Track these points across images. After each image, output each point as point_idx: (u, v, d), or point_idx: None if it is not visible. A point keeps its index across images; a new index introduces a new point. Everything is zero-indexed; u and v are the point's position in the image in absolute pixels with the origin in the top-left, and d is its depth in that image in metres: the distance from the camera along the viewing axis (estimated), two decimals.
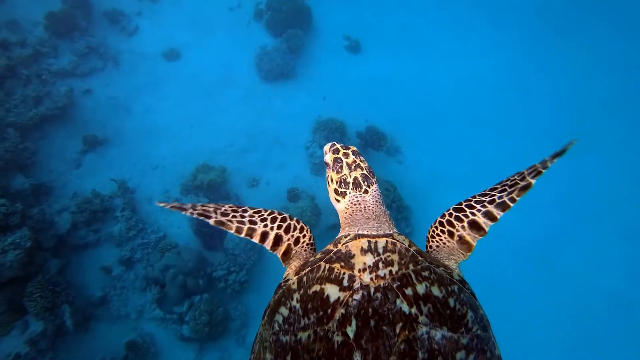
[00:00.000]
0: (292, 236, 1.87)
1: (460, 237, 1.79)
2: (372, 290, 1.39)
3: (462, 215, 1.82)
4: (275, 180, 8.75)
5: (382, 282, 1.42)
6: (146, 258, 7.56)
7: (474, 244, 1.78)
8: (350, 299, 1.38)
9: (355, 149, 1.99)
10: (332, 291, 1.43)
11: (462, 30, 12.21)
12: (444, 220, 1.85)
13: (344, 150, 1.96)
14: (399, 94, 10.58)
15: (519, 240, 8.69)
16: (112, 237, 7.62)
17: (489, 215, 1.76)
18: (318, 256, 1.66)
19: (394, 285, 1.41)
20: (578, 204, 9.74)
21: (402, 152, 9.62)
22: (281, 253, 1.85)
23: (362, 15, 11.74)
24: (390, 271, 1.46)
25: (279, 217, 1.90)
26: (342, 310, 1.36)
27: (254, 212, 1.91)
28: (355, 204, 1.86)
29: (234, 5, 10.94)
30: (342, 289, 1.42)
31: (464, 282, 1.61)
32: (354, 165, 1.91)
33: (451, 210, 1.86)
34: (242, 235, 1.84)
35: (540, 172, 1.72)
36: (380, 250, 1.54)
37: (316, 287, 1.47)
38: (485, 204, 1.79)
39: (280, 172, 8.73)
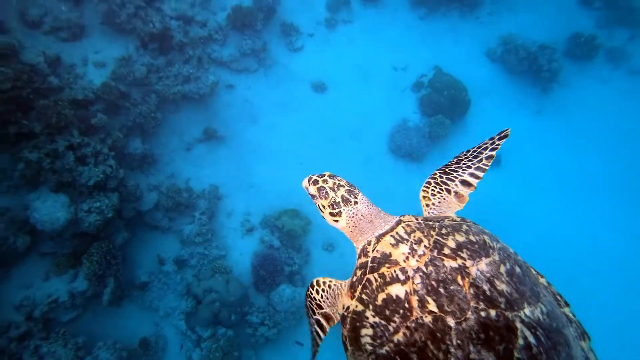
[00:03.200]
0: (317, 309, 2.28)
1: (456, 193, 2.35)
2: (423, 268, 1.76)
3: (452, 176, 2.40)
4: (350, 255, 8.78)
5: (426, 258, 1.78)
6: (198, 268, 8.01)
7: (467, 197, 2.35)
8: (414, 286, 1.72)
9: (329, 173, 2.36)
10: (398, 290, 1.75)
11: (619, 192, 11.26)
12: (438, 180, 2.42)
13: (322, 179, 2.32)
14: (511, 225, 10.03)
15: None
16: (181, 233, 8.20)
17: (473, 175, 2.41)
18: (358, 274, 1.96)
19: (435, 254, 1.79)
20: None
21: None
22: (333, 321, 2.27)
23: (517, 132, 11.32)
24: (425, 246, 1.83)
25: (309, 308, 2.32)
26: (416, 297, 1.69)
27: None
28: (353, 216, 2.22)
29: (399, 66, 11.21)
30: (403, 282, 1.75)
31: (465, 219, 2.05)
32: (336, 186, 2.28)
33: (440, 174, 2.46)
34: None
35: (496, 147, 2.50)
36: (405, 236, 1.91)
37: (382, 296, 1.78)
38: (467, 167, 2.44)
39: None
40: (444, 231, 1.89)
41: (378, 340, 1.73)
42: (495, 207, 10.29)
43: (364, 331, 1.79)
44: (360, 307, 1.84)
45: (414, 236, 1.88)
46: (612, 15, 13.06)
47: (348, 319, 1.90)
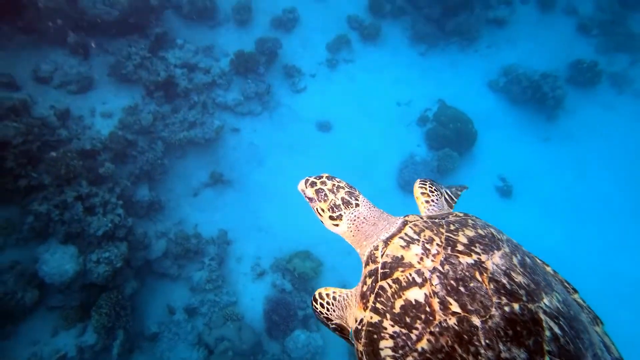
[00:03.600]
0: (328, 322, 2.18)
1: (445, 199, 2.38)
2: (439, 268, 1.67)
3: (438, 185, 2.42)
4: None
5: (441, 257, 1.70)
6: (209, 316, 7.91)
7: (453, 207, 2.38)
8: (433, 287, 1.63)
9: (327, 174, 2.23)
10: (416, 294, 1.65)
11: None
12: (432, 183, 2.39)
13: (320, 180, 2.19)
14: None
15: None
16: (190, 280, 8.16)
17: (453, 193, 2.49)
18: (368, 282, 1.82)
19: (449, 252, 1.71)
20: None
21: None
22: (346, 330, 2.15)
23: (526, 161, 11.40)
24: (438, 245, 1.74)
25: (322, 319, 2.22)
26: (437, 300, 1.60)
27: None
28: (355, 220, 2.10)
29: (403, 101, 11.43)
30: (421, 285, 1.65)
31: (467, 214, 1.99)
32: (335, 188, 2.17)
33: (430, 181, 2.43)
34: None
35: (458, 193, 2.56)
36: (415, 236, 1.82)
37: (400, 302, 1.67)
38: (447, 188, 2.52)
39: None
40: (452, 227, 1.84)
41: (400, 352, 1.62)
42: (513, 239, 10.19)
43: (383, 343, 1.68)
44: (376, 318, 1.72)
45: (424, 235, 1.81)
46: (610, 42, 13.38)
47: (363, 333, 1.78)
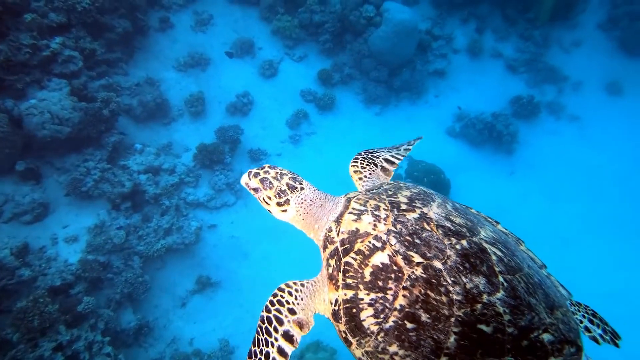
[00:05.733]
0: (290, 315, 1.95)
1: (382, 167, 2.52)
2: (393, 228, 1.81)
3: (376, 155, 2.56)
4: None
5: (391, 219, 1.85)
6: None
7: (392, 172, 2.52)
8: (394, 247, 1.75)
9: (269, 165, 2.22)
10: (380, 258, 1.75)
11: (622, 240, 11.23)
12: (366, 157, 2.52)
13: (262, 170, 2.18)
14: None
15: None
16: None
17: (394, 157, 2.61)
18: (332, 262, 1.87)
19: (396, 212, 1.87)
20: None
21: None
22: (306, 326, 1.97)
23: (500, 198, 11.34)
24: (384, 209, 1.90)
25: (274, 320, 1.94)
26: (400, 257, 1.72)
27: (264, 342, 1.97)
28: (302, 203, 2.13)
29: None
30: (382, 249, 1.77)
31: (397, 181, 2.26)
32: (279, 175, 2.17)
33: (365, 152, 2.57)
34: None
35: (409, 147, 2.75)
36: (363, 207, 1.93)
37: (368, 270, 1.75)
38: (387, 152, 2.63)
39: None
40: (390, 192, 1.99)
41: (382, 315, 1.66)
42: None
43: (363, 314, 1.71)
44: (350, 293, 1.75)
45: (370, 204, 1.91)
46: (537, 77, 14.14)
47: (341, 312, 1.79)
